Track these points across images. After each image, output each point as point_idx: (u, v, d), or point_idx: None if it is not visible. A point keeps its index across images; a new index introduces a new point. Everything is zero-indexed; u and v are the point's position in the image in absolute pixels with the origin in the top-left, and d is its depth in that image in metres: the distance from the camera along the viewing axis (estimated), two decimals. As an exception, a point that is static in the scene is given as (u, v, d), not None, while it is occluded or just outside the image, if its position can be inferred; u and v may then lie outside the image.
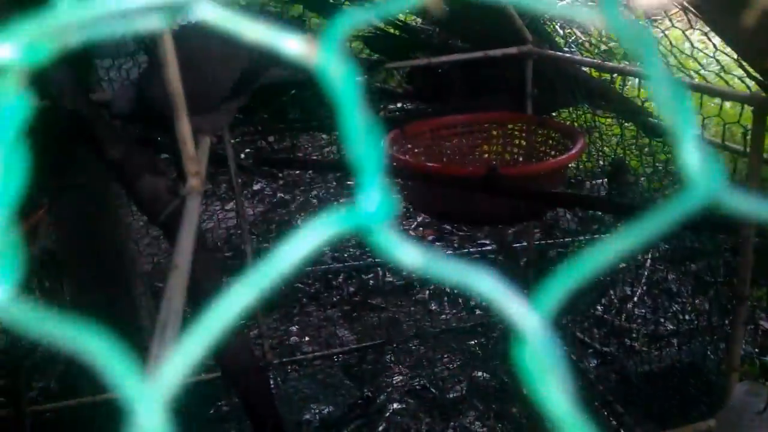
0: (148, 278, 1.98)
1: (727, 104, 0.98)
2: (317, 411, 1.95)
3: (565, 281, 0.15)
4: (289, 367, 1.97)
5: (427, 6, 0.15)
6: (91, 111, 0.57)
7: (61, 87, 0.59)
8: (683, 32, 0.95)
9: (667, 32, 1.17)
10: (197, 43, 0.87)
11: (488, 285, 0.14)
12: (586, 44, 1.72)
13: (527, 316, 0.14)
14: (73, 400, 1.49)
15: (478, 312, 2.43)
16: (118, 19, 0.12)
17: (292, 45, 0.14)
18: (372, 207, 0.14)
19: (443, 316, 2.40)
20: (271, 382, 1.83)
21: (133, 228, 1.76)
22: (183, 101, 0.55)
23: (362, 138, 0.13)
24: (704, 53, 0.99)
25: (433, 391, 2.05)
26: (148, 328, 1.75)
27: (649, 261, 2.23)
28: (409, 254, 0.14)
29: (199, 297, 0.65)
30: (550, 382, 0.14)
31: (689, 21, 1.07)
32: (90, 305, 1.59)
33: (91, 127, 0.56)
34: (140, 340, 1.72)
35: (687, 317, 1.94)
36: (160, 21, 0.12)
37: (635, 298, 2.19)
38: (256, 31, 0.14)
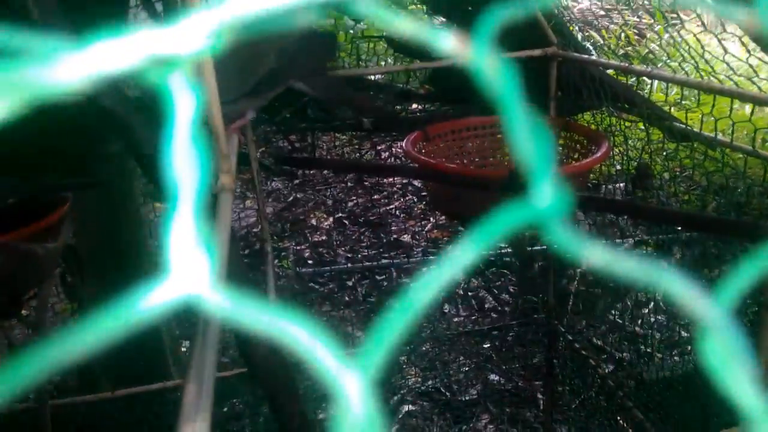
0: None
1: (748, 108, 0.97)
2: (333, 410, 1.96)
3: (744, 276, 0.14)
4: (305, 366, 1.96)
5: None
6: (127, 107, 0.57)
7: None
8: (716, 36, 0.94)
9: (696, 36, 1.16)
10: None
11: (673, 282, 0.14)
12: (606, 47, 1.71)
13: (711, 311, 0.14)
14: (92, 395, 1.50)
15: (493, 315, 2.42)
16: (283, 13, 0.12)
17: (445, 41, 0.13)
18: (545, 202, 0.14)
19: (457, 319, 2.40)
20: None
21: (155, 225, 1.77)
22: (217, 99, 0.55)
23: (529, 134, 0.13)
24: (735, 56, 0.98)
25: (447, 393, 2.04)
26: (165, 326, 1.76)
27: (667, 267, 2.21)
28: (592, 251, 0.14)
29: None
30: (736, 373, 0.13)
31: (703, 24, 1.05)
32: (110, 301, 1.60)
33: (127, 123, 0.56)
34: (158, 338, 1.72)
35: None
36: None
37: (652, 304, 2.17)
38: (411, 27, 0.13)
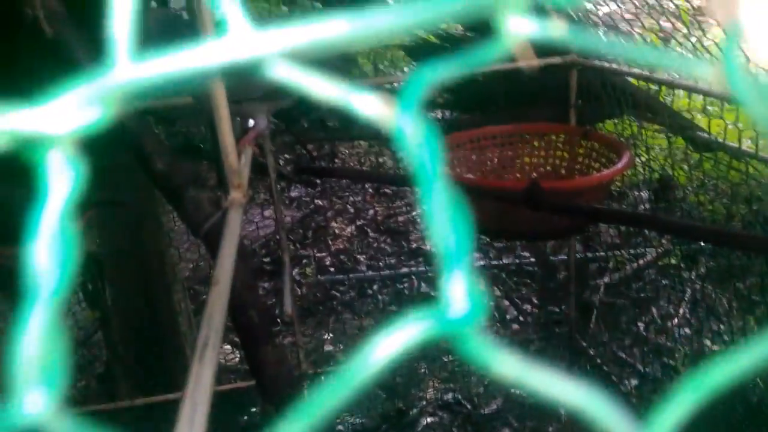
0: (186, 283, 2.01)
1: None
2: (350, 422, 1.94)
3: (679, 408, 0.13)
4: (324, 377, 1.96)
5: (518, 57, 0.14)
6: (138, 122, 0.57)
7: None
8: (741, 43, 0.91)
9: (718, 44, 1.13)
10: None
11: (593, 403, 0.13)
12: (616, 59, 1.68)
13: None
14: (111, 404, 1.51)
15: (514, 326, 2.39)
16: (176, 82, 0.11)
17: (367, 105, 0.12)
18: (460, 307, 0.12)
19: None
20: (306, 391, 1.83)
21: (174, 233, 1.79)
22: (227, 116, 0.55)
23: (445, 217, 0.12)
24: (760, 66, 0.95)
25: (468, 406, 2.02)
26: (187, 332, 1.77)
27: (693, 278, 2.16)
28: (504, 363, 0.13)
29: (237, 308, 0.65)
30: None
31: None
32: (131, 309, 1.62)
33: (139, 139, 0.56)
34: (179, 345, 1.73)
35: (733, 338, 1.86)
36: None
37: (678, 317, 2.12)
38: (330, 90, 0.12)
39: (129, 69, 0.11)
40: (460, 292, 0.12)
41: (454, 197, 0.12)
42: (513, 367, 0.13)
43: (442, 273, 0.13)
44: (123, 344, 1.61)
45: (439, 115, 2.32)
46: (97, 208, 1.09)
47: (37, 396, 0.11)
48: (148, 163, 0.59)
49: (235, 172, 0.61)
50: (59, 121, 0.11)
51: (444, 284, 0.13)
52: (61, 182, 0.11)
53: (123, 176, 1.35)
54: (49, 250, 0.11)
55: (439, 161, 0.12)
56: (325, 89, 0.12)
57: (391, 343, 0.13)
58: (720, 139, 1.16)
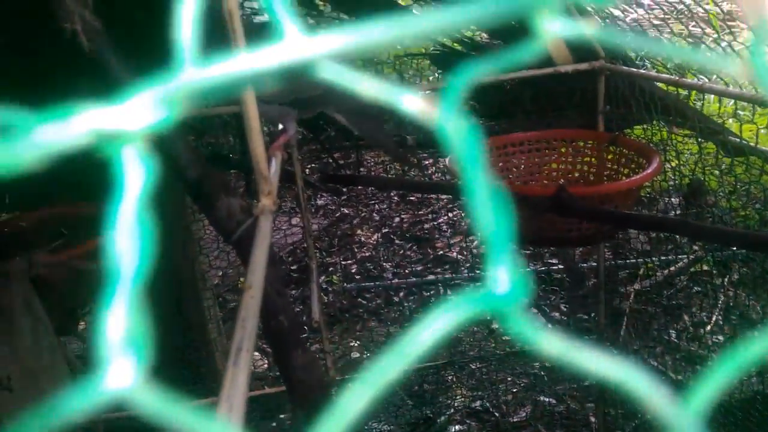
0: (215, 291, 2.04)
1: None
2: (378, 430, 1.94)
3: (716, 379, 0.13)
4: (351, 384, 1.96)
5: (555, 58, 0.14)
6: (172, 131, 0.59)
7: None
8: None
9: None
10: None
11: (635, 380, 0.13)
12: (659, 59, 1.66)
13: (679, 417, 0.13)
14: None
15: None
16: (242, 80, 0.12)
17: (411, 102, 0.13)
18: (504, 287, 0.13)
19: (506, 337, 2.35)
20: (333, 398, 1.84)
21: (204, 242, 1.82)
22: (258, 123, 0.56)
23: (489, 206, 0.13)
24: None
25: (496, 414, 2.00)
26: (216, 340, 1.79)
27: (725, 285, 2.12)
28: (548, 341, 0.13)
29: (269, 313, 0.66)
30: None
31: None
32: (161, 316, 1.64)
33: (173, 147, 0.58)
34: (209, 352, 1.76)
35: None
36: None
37: (710, 324, 2.07)
38: (376, 89, 0.13)
39: (194, 72, 0.12)
40: (503, 274, 0.13)
41: (496, 189, 0.13)
42: (555, 344, 0.13)
43: (487, 258, 0.13)
44: (153, 351, 1.64)
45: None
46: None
47: (124, 369, 0.12)
48: (182, 171, 0.61)
49: (265, 179, 0.62)
50: (132, 119, 0.12)
51: (489, 268, 0.13)
52: (135, 175, 0.12)
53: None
54: (128, 236, 0.12)
55: (480, 155, 0.13)
56: (374, 89, 0.13)
57: (442, 321, 0.13)
58: (752, 144, 1.14)
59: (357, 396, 0.13)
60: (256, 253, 0.52)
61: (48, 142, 0.11)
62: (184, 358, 1.76)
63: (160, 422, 0.13)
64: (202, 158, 0.63)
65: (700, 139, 1.20)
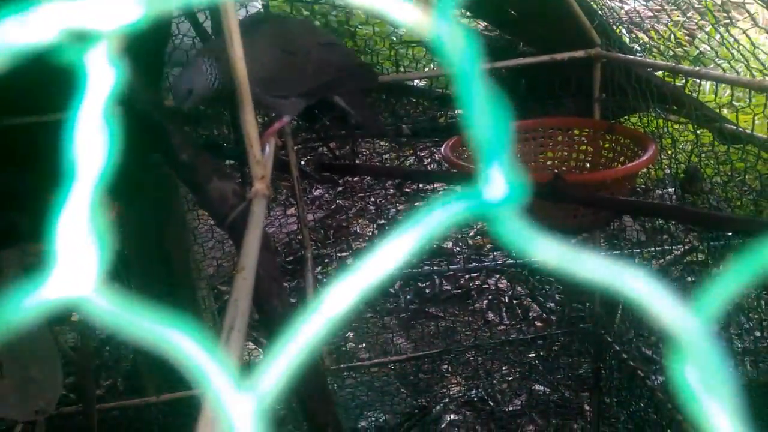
0: (210, 282, 2.03)
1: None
2: (373, 419, 1.95)
3: (728, 285, 0.13)
4: (346, 373, 1.96)
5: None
6: (163, 116, 0.58)
7: (133, 92, 0.61)
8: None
9: (746, 33, 1.11)
10: (302, 33, 0.93)
11: (638, 285, 0.13)
12: (655, 49, 1.66)
13: (686, 323, 0.12)
14: (138, 399, 1.53)
15: (538, 324, 2.37)
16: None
17: (406, 12, 0.13)
18: (498, 192, 0.12)
19: (501, 327, 2.36)
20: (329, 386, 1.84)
21: (198, 232, 1.81)
22: (250, 101, 0.56)
23: (485, 113, 0.12)
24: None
25: (491, 403, 2.01)
26: (211, 330, 1.79)
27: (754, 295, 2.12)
28: (543, 247, 0.13)
29: (262, 297, 0.65)
30: (712, 396, 0.12)
31: (755, 22, 1.01)
32: (156, 306, 1.64)
33: (164, 131, 0.57)
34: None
35: (763, 333, 1.83)
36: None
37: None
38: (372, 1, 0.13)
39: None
40: (499, 178, 0.12)
41: (493, 93, 0.13)
42: (551, 250, 0.13)
43: (482, 162, 0.13)
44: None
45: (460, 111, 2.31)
46: (125, 200, 1.11)
47: (83, 271, 0.11)
48: (174, 155, 0.60)
49: (259, 164, 0.61)
50: (106, 16, 0.11)
51: (483, 171, 0.13)
52: (102, 78, 0.11)
53: (150, 175, 1.37)
54: (93, 136, 0.11)
55: (477, 60, 0.13)
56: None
57: (434, 218, 0.13)
58: (748, 131, 1.14)
59: (339, 295, 0.13)
60: (248, 236, 0.51)
61: (9, 41, 0.11)
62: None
63: (117, 327, 0.12)
64: (194, 143, 0.62)
65: (695, 126, 1.20)
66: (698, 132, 1.20)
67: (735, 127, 1.18)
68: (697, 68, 1.07)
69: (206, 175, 0.58)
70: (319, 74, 0.91)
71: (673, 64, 1.13)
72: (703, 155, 1.23)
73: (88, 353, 1.33)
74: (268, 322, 0.61)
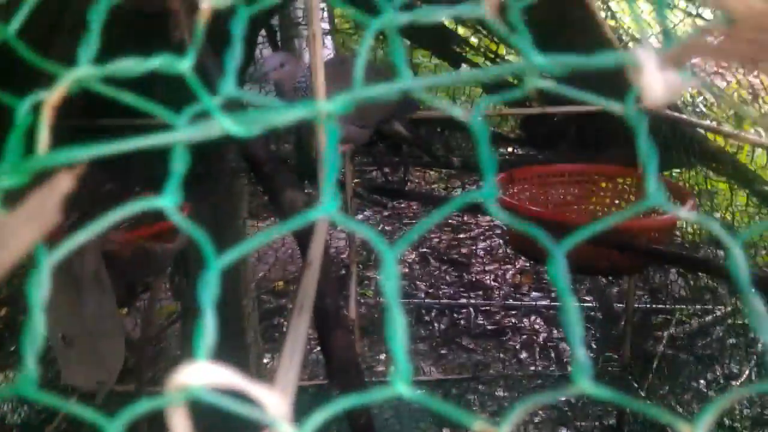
0: (256, 294, 2.10)
1: None
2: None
3: None
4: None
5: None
6: (253, 134, 0.69)
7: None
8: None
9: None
10: (381, 69, 1.05)
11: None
12: (698, 108, 1.70)
13: None
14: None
15: (570, 368, 2.37)
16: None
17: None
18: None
19: (533, 368, 2.37)
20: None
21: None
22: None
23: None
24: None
25: (515, 439, 2.02)
26: (251, 347, 1.84)
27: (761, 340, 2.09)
28: None
29: (318, 295, 0.74)
30: None
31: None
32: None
33: (252, 147, 0.67)
34: (245, 358, 1.79)
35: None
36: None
37: (742, 378, 2.06)
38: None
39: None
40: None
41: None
42: None
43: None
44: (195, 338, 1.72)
45: (510, 149, 2.38)
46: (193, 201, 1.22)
47: None
48: (260, 166, 0.70)
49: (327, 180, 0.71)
50: None
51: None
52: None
53: (215, 183, 1.48)
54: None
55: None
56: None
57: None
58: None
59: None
60: (316, 234, 0.60)
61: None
62: (218, 353, 1.82)
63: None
64: (275, 157, 0.72)
65: (734, 186, 1.24)
66: (734, 191, 1.24)
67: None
68: (737, 132, 1.12)
69: (282, 186, 0.68)
70: (387, 105, 1.02)
71: (716, 125, 1.18)
72: (740, 215, 1.27)
73: (149, 338, 1.44)
74: (319, 317, 0.70)
